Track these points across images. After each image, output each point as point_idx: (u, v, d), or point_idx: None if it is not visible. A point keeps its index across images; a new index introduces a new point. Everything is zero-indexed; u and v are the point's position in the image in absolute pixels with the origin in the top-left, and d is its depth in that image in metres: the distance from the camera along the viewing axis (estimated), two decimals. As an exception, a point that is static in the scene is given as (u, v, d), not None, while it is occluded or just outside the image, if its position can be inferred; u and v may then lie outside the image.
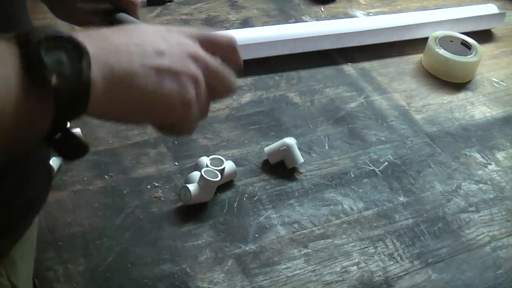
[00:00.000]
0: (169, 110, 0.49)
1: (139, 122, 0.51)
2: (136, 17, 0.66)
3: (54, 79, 0.40)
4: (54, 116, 0.42)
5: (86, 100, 0.43)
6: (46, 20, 1.01)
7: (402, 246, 1.09)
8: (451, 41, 1.60)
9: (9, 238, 0.57)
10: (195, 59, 0.51)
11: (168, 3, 1.62)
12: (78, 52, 0.41)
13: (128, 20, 0.65)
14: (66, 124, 0.44)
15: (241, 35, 1.47)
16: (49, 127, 0.43)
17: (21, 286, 0.60)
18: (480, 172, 1.28)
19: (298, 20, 1.66)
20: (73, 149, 0.47)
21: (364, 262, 1.05)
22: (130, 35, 0.48)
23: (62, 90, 0.40)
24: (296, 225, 1.10)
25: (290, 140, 1.20)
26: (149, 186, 1.11)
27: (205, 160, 1.13)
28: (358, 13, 1.75)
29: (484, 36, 1.73)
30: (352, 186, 1.19)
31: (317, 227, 1.10)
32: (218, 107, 1.32)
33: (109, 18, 0.66)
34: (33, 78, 0.39)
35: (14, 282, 0.59)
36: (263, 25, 1.59)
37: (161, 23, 1.55)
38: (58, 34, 0.41)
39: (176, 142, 1.21)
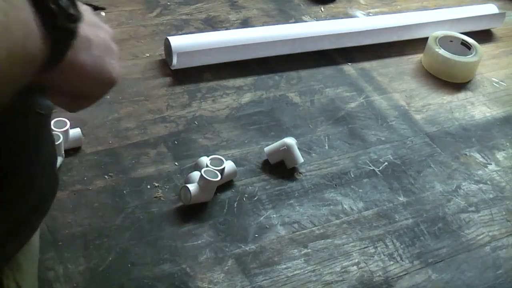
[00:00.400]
0: (104, 83, 0.52)
1: (82, 87, 0.52)
2: None
3: (53, 6, 0.43)
4: (48, 52, 0.44)
5: (74, 35, 0.46)
6: None
7: (402, 246, 1.09)
8: (451, 41, 1.60)
9: (17, 240, 0.57)
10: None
11: (168, 3, 1.62)
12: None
13: None
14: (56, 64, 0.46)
15: (241, 35, 1.47)
16: (42, 65, 0.45)
17: None
18: (480, 172, 1.28)
19: (298, 20, 1.66)
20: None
21: (364, 262, 1.05)
22: None
23: (59, 18, 0.44)
24: (296, 225, 1.10)
25: (290, 140, 1.20)
26: (149, 186, 1.11)
27: (205, 160, 1.13)
28: (358, 13, 1.75)
29: (484, 36, 1.73)
30: (352, 186, 1.19)
31: (317, 227, 1.10)
32: (218, 107, 1.32)
33: None
34: (36, 3, 0.42)
35: (20, 283, 0.59)
36: (263, 25, 1.59)
37: (161, 23, 1.55)
38: None
39: (176, 142, 1.22)
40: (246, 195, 1.13)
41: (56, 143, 1.07)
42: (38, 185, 0.58)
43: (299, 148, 1.21)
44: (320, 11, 1.72)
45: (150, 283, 0.96)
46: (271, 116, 1.33)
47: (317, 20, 1.66)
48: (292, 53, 1.50)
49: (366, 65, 1.55)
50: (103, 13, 1.48)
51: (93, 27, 0.51)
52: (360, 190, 1.19)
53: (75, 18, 0.46)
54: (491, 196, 1.23)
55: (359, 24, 1.60)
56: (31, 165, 0.55)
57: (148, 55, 1.44)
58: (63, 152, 1.11)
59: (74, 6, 0.46)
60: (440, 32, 1.60)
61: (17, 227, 0.56)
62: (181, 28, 1.55)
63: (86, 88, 0.52)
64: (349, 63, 1.54)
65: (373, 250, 1.08)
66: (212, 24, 1.58)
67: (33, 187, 0.56)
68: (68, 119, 1.12)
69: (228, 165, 1.13)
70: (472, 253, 1.10)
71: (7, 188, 0.52)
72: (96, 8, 0.56)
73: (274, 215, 1.11)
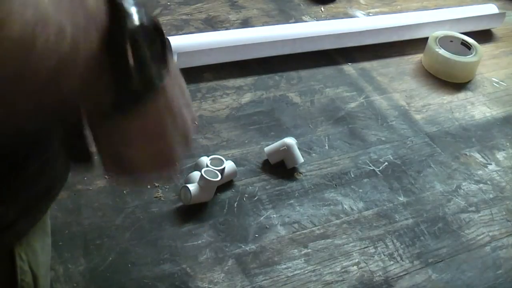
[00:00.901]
0: (180, 140, 0.50)
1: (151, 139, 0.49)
2: None
3: (131, 60, 0.35)
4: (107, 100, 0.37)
5: (141, 99, 0.37)
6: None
7: (402, 246, 1.09)
8: (451, 41, 1.60)
9: (27, 220, 0.58)
10: None
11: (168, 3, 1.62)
12: (162, 48, 0.36)
13: None
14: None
15: (241, 35, 1.47)
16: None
17: (41, 279, 0.60)
18: (480, 172, 1.28)
19: (298, 20, 1.66)
20: (82, 152, 0.44)
21: (364, 262, 1.05)
22: None
23: (134, 79, 0.35)
24: (296, 225, 1.10)
25: (290, 140, 1.20)
26: (149, 186, 1.11)
27: (205, 160, 1.13)
28: (358, 13, 1.75)
29: (484, 36, 1.73)
30: (352, 186, 1.19)
31: (317, 227, 1.10)
32: (218, 107, 1.32)
33: None
34: (112, 47, 0.35)
35: (35, 271, 0.59)
36: (263, 25, 1.59)
37: (161, 23, 1.55)
38: (154, 24, 0.36)
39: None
40: (246, 195, 1.13)
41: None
42: (48, 173, 0.58)
43: (299, 148, 1.21)
44: (320, 11, 1.72)
45: (150, 283, 0.96)
46: (271, 116, 1.33)
47: (317, 20, 1.66)
48: (292, 53, 1.50)
49: (366, 65, 1.55)
50: None
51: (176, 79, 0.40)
52: (360, 190, 1.19)
53: (155, 82, 0.36)
54: (491, 196, 1.23)
55: (359, 24, 1.60)
56: (42, 156, 0.56)
57: (148, 55, 1.43)
58: (63, 152, 1.11)
59: (162, 58, 0.36)
60: (440, 32, 1.60)
61: (27, 210, 0.56)
62: (181, 28, 1.55)
63: (158, 144, 0.43)
64: (349, 63, 1.54)
65: (373, 250, 1.08)
66: (212, 24, 1.58)
67: (43, 175, 0.57)
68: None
69: (228, 165, 1.13)
70: (472, 253, 1.10)
71: (18, 177, 0.52)
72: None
73: (274, 215, 1.11)
